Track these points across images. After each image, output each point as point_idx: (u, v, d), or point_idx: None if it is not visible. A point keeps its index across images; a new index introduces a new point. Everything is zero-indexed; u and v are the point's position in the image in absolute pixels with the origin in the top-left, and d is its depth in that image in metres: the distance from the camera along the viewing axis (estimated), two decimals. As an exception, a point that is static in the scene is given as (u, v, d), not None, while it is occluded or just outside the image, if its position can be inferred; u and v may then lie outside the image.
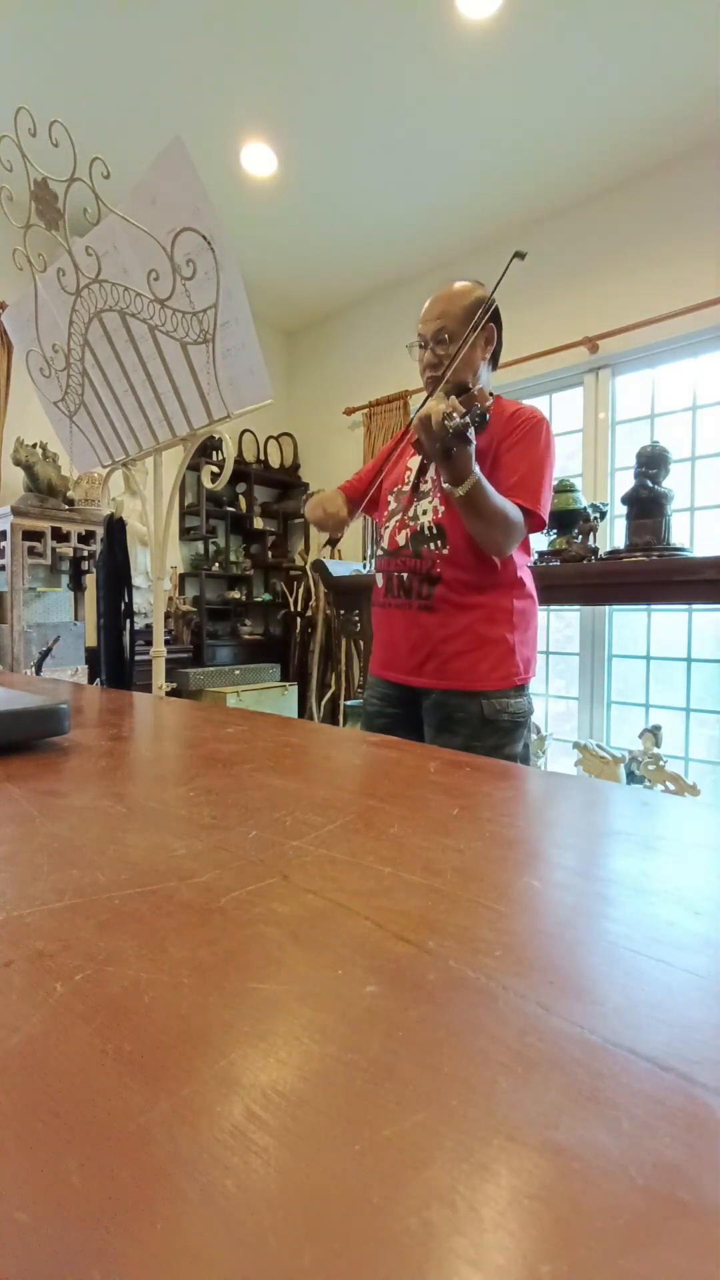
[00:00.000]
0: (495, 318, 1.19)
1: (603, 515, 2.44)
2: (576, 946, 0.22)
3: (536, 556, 2.41)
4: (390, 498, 1.29)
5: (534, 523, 1.14)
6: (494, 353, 1.23)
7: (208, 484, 1.52)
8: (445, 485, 1.05)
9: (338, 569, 2.50)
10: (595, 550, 2.29)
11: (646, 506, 2.22)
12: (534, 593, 1.23)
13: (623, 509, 2.30)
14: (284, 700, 3.85)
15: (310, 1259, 0.11)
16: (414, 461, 1.25)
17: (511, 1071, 0.16)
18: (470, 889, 0.26)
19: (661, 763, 2.41)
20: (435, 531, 1.17)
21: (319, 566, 2.43)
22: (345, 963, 0.21)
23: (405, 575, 1.20)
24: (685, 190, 2.79)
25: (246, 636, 4.16)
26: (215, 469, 1.54)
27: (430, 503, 1.19)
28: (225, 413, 1.42)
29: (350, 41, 2.27)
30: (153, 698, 0.82)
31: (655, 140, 2.72)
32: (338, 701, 3.80)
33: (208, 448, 3.76)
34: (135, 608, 2.05)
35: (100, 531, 2.15)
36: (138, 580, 3.15)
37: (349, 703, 3.68)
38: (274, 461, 4.48)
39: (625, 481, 2.57)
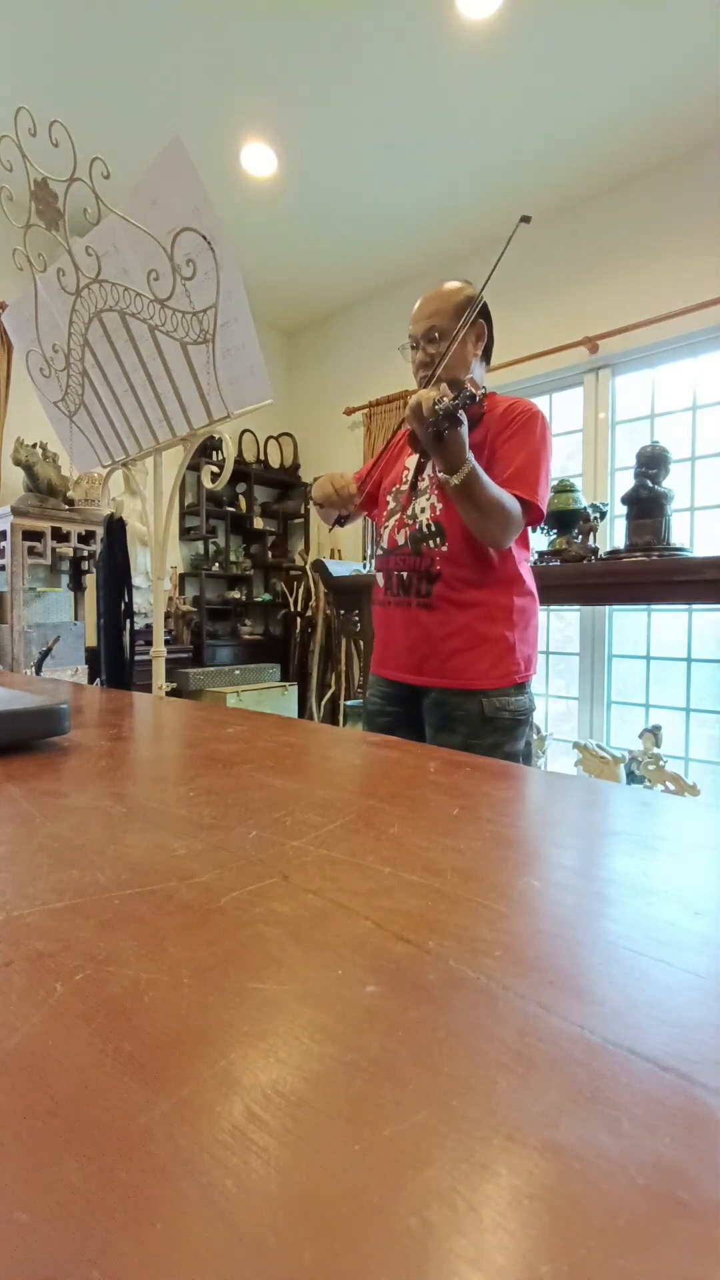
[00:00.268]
0: (485, 314, 1.19)
1: (603, 515, 2.44)
2: (576, 946, 0.22)
3: (536, 556, 2.41)
4: (389, 497, 1.29)
5: (532, 514, 1.14)
6: (486, 349, 1.23)
7: (208, 484, 1.52)
8: (440, 475, 1.06)
9: (338, 569, 2.50)
10: (595, 550, 2.29)
11: (646, 506, 2.22)
12: (534, 590, 1.23)
13: (623, 509, 2.30)
14: (284, 700, 3.85)
15: (310, 1259, 0.11)
16: (411, 460, 1.25)
17: (511, 1071, 0.16)
18: (470, 889, 0.26)
19: (661, 763, 2.41)
20: (434, 529, 1.17)
21: (319, 566, 2.43)
22: (345, 963, 0.21)
23: (405, 574, 1.20)
24: (685, 190, 2.79)
25: (246, 636, 4.16)
26: (215, 469, 1.54)
27: (428, 500, 1.19)
28: (225, 413, 1.42)
29: (350, 41, 2.27)
30: (153, 698, 0.82)
31: (655, 140, 2.72)
32: (338, 701, 3.80)
33: (208, 448, 3.76)
34: (135, 608, 2.05)
35: (100, 531, 2.15)
36: (138, 580, 3.15)
37: (349, 703, 3.68)
38: (274, 461, 4.48)
39: (625, 481, 2.57)
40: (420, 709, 1.23)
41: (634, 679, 3.03)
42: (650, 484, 2.22)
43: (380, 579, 1.27)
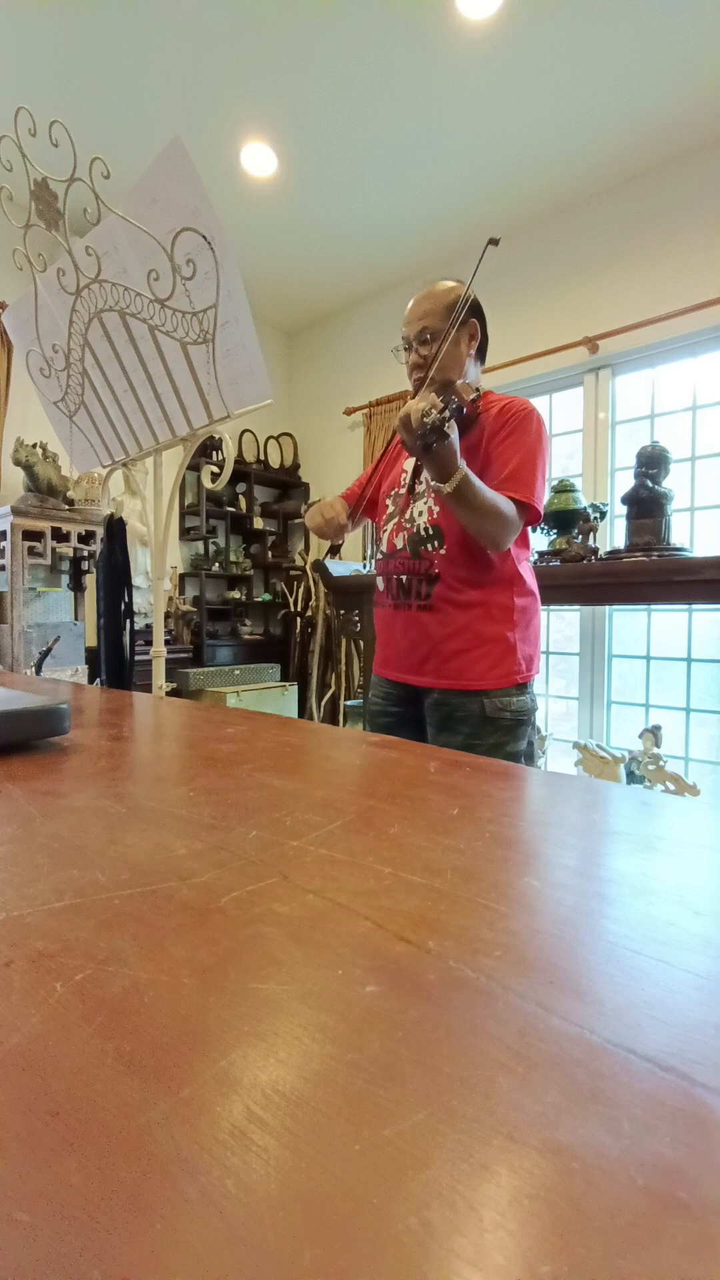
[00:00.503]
0: (478, 312, 1.18)
1: (603, 515, 2.44)
2: (576, 946, 0.22)
3: (536, 556, 2.41)
4: (388, 500, 1.29)
5: (529, 515, 1.13)
6: (480, 347, 1.22)
7: (208, 484, 1.52)
8: (433, 483, 1.05)
9: (338, 569, 2.50)
10: (595, 550, 2.29)
11: (646, 506, 2.22)
12: (535, 589, 1.23)
13: (623, 509, 2.30)
14: (284, 700, 3.85)
15: (310, 1259, 0.11)
16: (409, 463, 1.25)
17: (511, 1071, 0.16)
18: (470, 889, 0.26)
19: (661, 763, 2.41)
20: (432, 532, 1.17)
21: (319, 567, 2.43)
22: (345, 963, 0.21)
23: (404, 577, 1.20)
24: (685, 190, 2.79)
25: (246, 636, 4.16)
26: (215, 469, 1.54)
27: (426, 503, 1.19)
28: (225, 413, 1.42)
29: (351, 41, 2.27)
30: (153, 698, 0.82)
31: (655, 140, 2.72)
32: (338, 701, 3.80)
33: (208, 448, 3.76)
34: (135, 608, 2.05)
35: (100, 531, 2.15)
36: (138, 580, 3.15)
37: (349, 703, 3.68)
38: (274, 461, 4.48)
39: (625, 481, 2.57)
40: (422, 709, 1.23)
41: (634, 679, 3.03)
42: (650, 484, 2.22)
43: (380, 583, 1.27)
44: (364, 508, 1.35)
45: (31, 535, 2.83)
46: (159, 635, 1.76)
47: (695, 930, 0.23)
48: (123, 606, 1.83)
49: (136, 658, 1.91)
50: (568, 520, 2.44)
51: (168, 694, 1.86)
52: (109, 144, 2.66)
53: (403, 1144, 0.14)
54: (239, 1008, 0.18)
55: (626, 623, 3.07)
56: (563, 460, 3.29)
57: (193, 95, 2.53)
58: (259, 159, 2.87)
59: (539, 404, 3.27)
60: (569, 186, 3.01)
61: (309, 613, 4.11)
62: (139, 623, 3.16)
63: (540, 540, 2.55)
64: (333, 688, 3.92)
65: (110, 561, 1.82)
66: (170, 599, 3.76)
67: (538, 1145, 0.14)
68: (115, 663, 1.82)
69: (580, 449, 3.22)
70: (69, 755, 0.49)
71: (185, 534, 3.97)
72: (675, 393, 2.96)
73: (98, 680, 2.26)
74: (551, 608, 3.14)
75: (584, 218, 3.10)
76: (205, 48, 2.31)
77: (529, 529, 1.20)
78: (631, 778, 2.45)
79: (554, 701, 3.31)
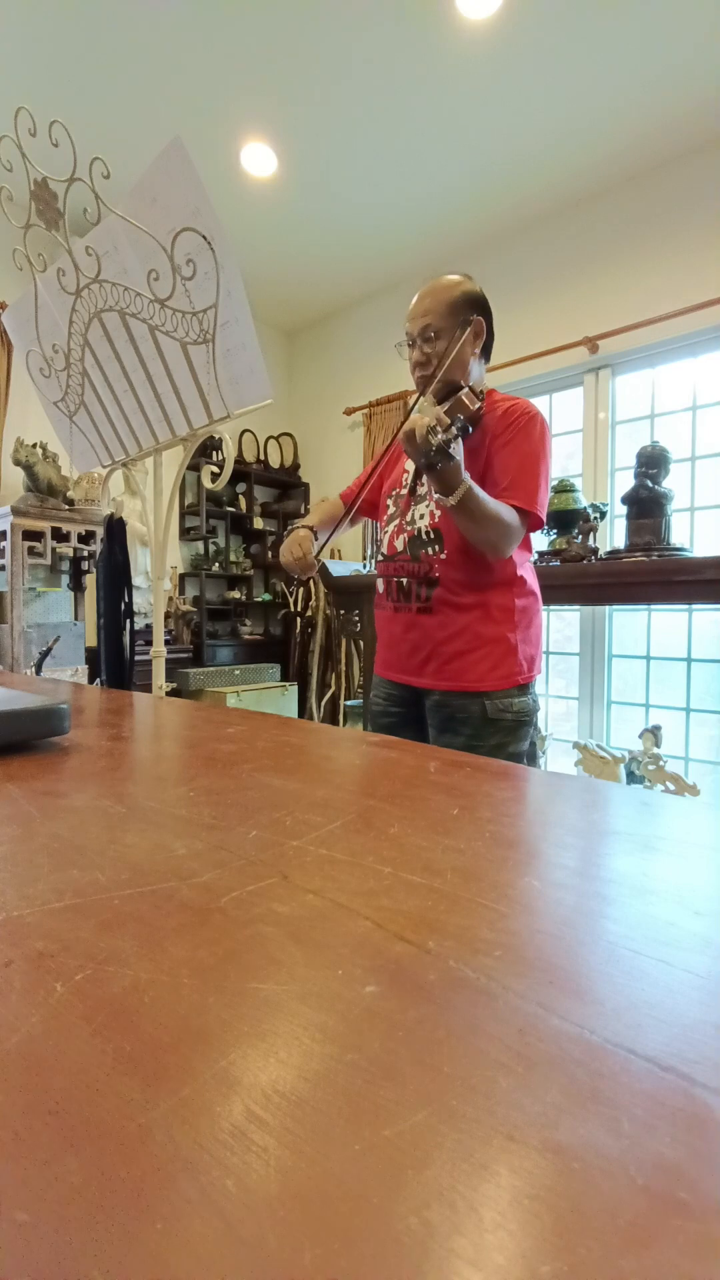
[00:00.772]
0: (484, 310, 1.16)
1: (603, 515, 2.44)
2: (576, 946, 0.22)
3: (536, 556, 2.41)
4: (389, 501, 1.28)
5: (532, 522, 1.12)
6: (485, 346, 1.20)
7: (208, 484, 1.52)
8: (435, 495, 1.04)
9: (338, 569, 2.50)
10: (595, 550, 2.29)
11: (646, 506, 2.22)
12: (536, 590, 1.22)
13: (623, 509, 2.30)
14: (284, 700, 3.85)
15: (310, 1259, 0.11)
16: (412, 463, 1.25)
17: (511, 1071, 0.16)
18: (470, 889, 0.26)
19: (661, 763, 2.41)
20: (432, 536, 1.16)
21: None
22: (345, 963, 0.21)
23: (404, 580, 1.20)
24: (685, 190, 2.79)
25: (246, 636, 4.16)
26: (215, 469, 1.54)
27: (428, 506, 1.18)
28: (225, 413, 1.42)
29: (351, 41, 2.27)
30: (153, 698, 0.82)
31: (655, 140, 2.72)
32: (338, 701, 3.80)
33: (208, 448, 3.76)
34: (135, 608, 2.05)
35: (100, 531, 2.15)
36: (138, 580, 3.15)
37: (349, 703, 3.68)
38: (274, 461, 4.48)
39: (625, 481, 2.57)
40: (423, 710, 1.23)
41: (634, 679, 3.03)
42: (650, 484, 2.22)
43: (380, 584, 1.27)
44: (364, 508, 1.35)
45: (31, 535, 2.83)
46: (159, 635, 1.76)
47: (695, 930, 0.23)
48: (123, 606, 1.83)
49: (136, 658, 1.91)
50: (568, 520, 2.44)
51: (168, 694, 1.86)
52: (109, 144, 2.66)
53: (403, 1144, 0.14)
54: (239, 1008, 0.18)
55: (626, 623, 3.07)
56: (563, 460, 3.29)
57: (193, 95, 2.53)
58: (259, 159, 2.87)
59: (539, 404, 3.26)
60: (569, 186, 3.01)
61: (309, 613, 4.11)
62: (139, 623, 3.16)
63: (540, 540, 2.55)
64: (333, 688, 3.92)
65: (110, 561, 1.82)
66: (170, 599, 3.76)
67: (538, 1145, 0.14)
68: (115, 663, 1.82)
69: (580, 449, 3.22)
70: (69, 755, 0.49)
71: (185, 534, 3.97)
72: (675, 393, 2.96)
73: (98, 680, 2.26)
74: (551, 608, 3.14)
75: (584, 218, 3.10)
76: (205, 48, 2.31)
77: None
78: (631, 778, 2.45)
79: (554, 701, 3.31)
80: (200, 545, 4.04)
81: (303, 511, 4.47)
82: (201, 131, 2.69)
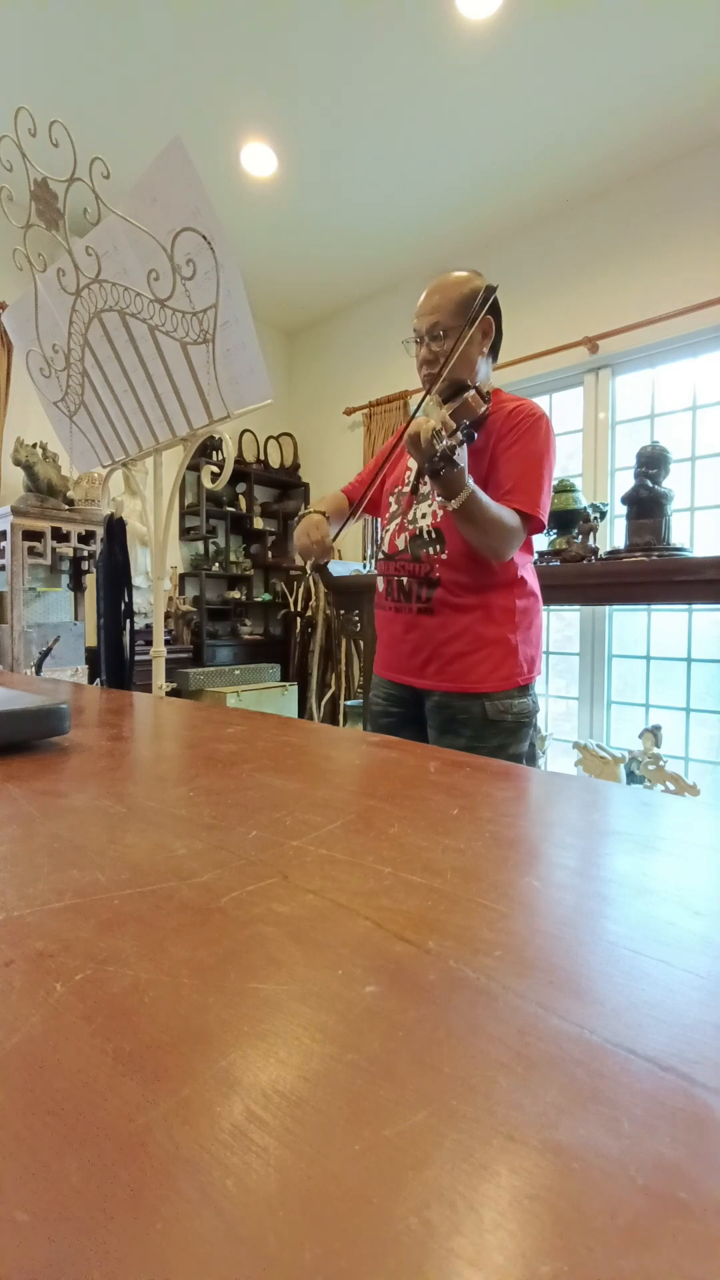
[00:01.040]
0: (494, 308, 1.15)
1: (603, 515, 2.44)
2: (576, 946, 0.22)
3: (537, 556, 2.41)
4: (391, 499, 1.28)
5: (533, 526, 1.12)
6: (493, 345, 1.19)
7: (208, 484, 1.52)
8: (438, 499, 1.04)
9: (338, 569, 2.50)
10: (595, 550, 2.29)
11: (646, 506, 2.22)
12: (537, 591, 1.22)
13: (623, 509, 2.30)
14: (284, 700, 3.85)
15: (310, 1259, 0.11)
16: (414, 462, 1.24)
17: (511, 1071, 0.16)
18: (470, 889, 0.26)
19: (661, 763, 2.41)
20: (434, 536, 1.16)
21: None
22: (345, 963, 0.21)
23: (404, 579, 1.20)
24: (685, 190, 2.79)
25: (246, 636, 4.16)
26: (215, 469, 1.54)
27: (430, 505, 1.18)
28: (225, 413, 1.42)
29: (350, 41, 2.27)
30: (153, 698, 0.82)
31: (655, 140, 2.72)
32: (338, 701, 3.80)
33: (208, 448, 3.75)
34: (135, 608, 2.05)
35: (100, 531, 2.15)
36: (138, 580, 3.15)
37: (349, 703, 3.68)
38: (274, 461, 4.48)
39: (625, 481, 2.57)
40: (423, 711, 1.22)
41: (634, 679, 3.03)
42: (650, 484, 2.22)
43: (380, 584, 1.27)
44: (366, 506, 1.34)
45: (31, 535, 2.83)
46: (159, 635, 1.76)
47: (695, 930, 0.23)
48: (123, 606, 1.83)
49: (136, 658, 1.91)
50: (568, 520, 2.44)
51: (168, 694, 1.86)
52: (109, 144, 2.65)
53: (403, 1144, 0.14)
54: (239, 1008, 0.18)
55: (626, 623, 3.07)
56: (563, 460, 3.29)
57: (193, 95, 2.53)
58: (259, 159, 2.87)
59: (540, 404, 3.26)
60: (569, 186, 3.01)
61: (309, 613, 4.11)
62: (139, 623, 3.16)
63: (540, 540, 2.55)
64: (333, 688, 3.92)
65: (110, 561, 1.82)
66: (170, 599, 3.76)
67: (538, 1145, 0.14)
68: (115, 663, 1.82)
69: (580, 449, 3.22)
70: (69, 755, 0.49)
71: (185, 534, 3.97)
72: (675, 393, 2.96)
73: (98, 680, 2.26)
74: (551, 608, 3.14)
75: (584, 218, 3.09)
76: (205, 48, 2.31)
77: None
78: (631, 778, 2.45)
79: (554, 701, 3.31)
80: (200, 545, 4.04)
81: (302, 513, 4.46)
82: (201, 131, 2.69)
